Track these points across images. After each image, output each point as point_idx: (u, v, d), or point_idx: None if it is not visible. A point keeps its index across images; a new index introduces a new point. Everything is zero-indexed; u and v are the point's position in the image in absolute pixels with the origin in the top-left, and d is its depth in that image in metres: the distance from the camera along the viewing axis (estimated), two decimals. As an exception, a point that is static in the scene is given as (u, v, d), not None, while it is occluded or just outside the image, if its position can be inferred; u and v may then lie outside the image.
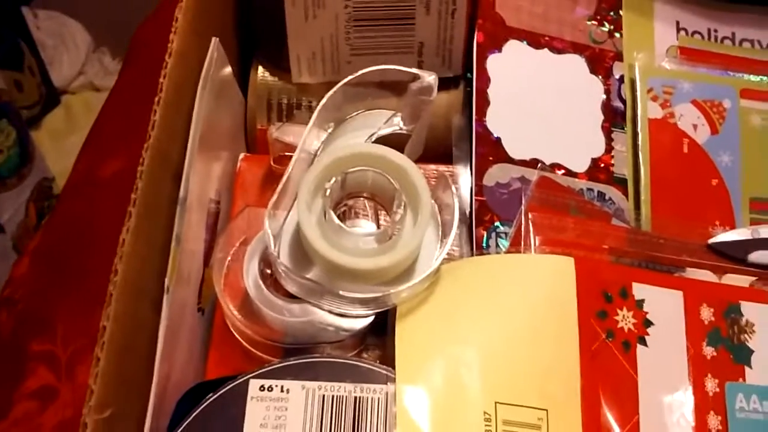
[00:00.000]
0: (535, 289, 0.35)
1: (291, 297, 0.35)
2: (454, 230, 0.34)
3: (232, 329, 0.37)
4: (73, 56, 1.21)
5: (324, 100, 0.35)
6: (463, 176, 0.39)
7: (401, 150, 0.36)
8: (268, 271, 0.36)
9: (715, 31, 0.44)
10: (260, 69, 0.43)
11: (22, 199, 0.91)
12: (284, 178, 0.35)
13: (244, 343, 0.36)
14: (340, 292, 0.33)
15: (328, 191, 0.34)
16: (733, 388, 0.34)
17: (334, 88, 0.35)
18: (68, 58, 1.21)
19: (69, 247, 0.55)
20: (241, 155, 0.41)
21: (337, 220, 0.34)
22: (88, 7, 1.27)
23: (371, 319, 0.35)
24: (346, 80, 0.35)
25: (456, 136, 0.41)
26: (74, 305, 0.52)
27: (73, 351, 0.51)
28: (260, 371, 0.32)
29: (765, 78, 0.42)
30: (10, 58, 1.02)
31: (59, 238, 0.56)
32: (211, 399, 0.32)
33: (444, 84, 0.42)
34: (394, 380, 0.32)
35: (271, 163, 0.40)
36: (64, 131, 1.16)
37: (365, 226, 0.37)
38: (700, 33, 0.44)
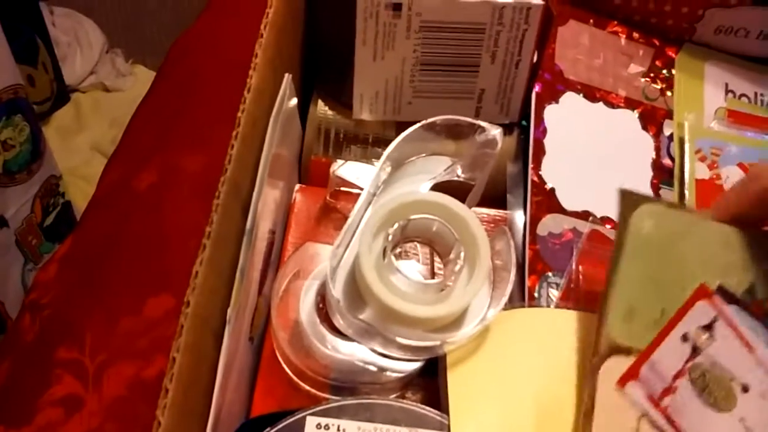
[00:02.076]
0: (584, 345, 0.35)
1: (342, 334, 0.36)
2: (510, 287, 0.35)
3: (280, 359, 0.37)
4: (86, 55, 1.21)
5: (393, 145, 0.36)
6: (516, 223, 0.40)
7: (456, 194, 0.37)
8: (321, 306, 0.37)
9: (762, 95, 0.45)
10: (320, 102, 0.43)
11: (29, 195, 0.90)
12: (349, 221, 0.35)
13: (291, 375, 0.37)
14: (392, 338, 0.34)
15: (390, 236, 0.34)
16: None
17: (405, 133, 0.36)
18: (81, 57, 1.21)
19: (100, 256, 0.55)
20: (297, 186, 0.41)
21: (396, 265, 0.34)
22: (105, 7, 1.27)
23: (419, 364, 0.35)
24: (417, 125, 0.36)
25: (510, 183, 0.41)
26: (103, 315, 0.52)
27: (100, 361, 0.51)
28: (317, 409, 0.33)
29: (810, 146, 0.43)
30: (25, 52, 1.02)
31: (90, 246, 0.56)
32: (269, 432, 0.32)
33: (499, 129, 0.43)
34: (446, 427, 0.33)
35: (327, 197, 0.40)
36: (72, 129, 1.16)
37: (415, 267, 0.38)
38: (747, 96, 0.45)
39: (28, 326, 0.54)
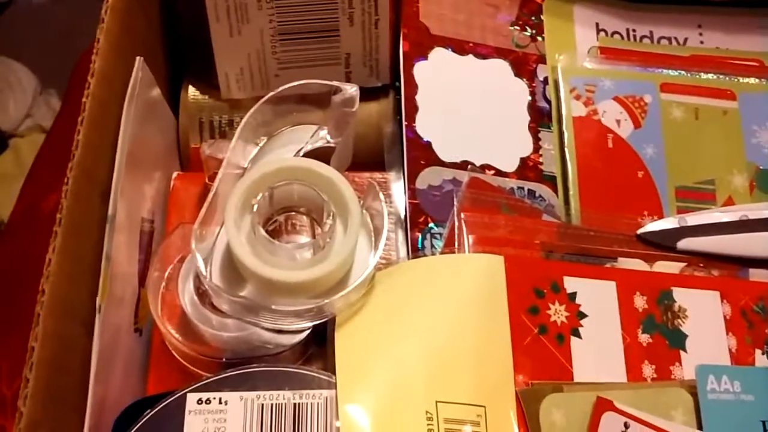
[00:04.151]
0: (467, 288, 0.35)
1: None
2: (384, 235, 0.34)
3: (170, 349, 0.36)
4: (19, 99, 1.20)
5: (246, 118, 0.36)
6: (397, 181, 0.40)
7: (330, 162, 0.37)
8: (202, 289, 0.36)
9: (634, 30, 0.45)
10: (191, 88, 0.43)
11: (-29, 245, 0.89)
12: (210, 196, 0.35)
13: (184, 362, 0.36)
14: (273, 307, 0.33)
15: (256, 207, 0.34)
16: (705, 369, 0.35)
17: (256, 106, 0.36)
18: (15, 102, 1.20)
19: (11, 283, 0.54)
20: (174, 174, 0.41)
21: (265, 235, 0.34)
22: (34, 50, 1.26)
23: (308, 332, 0.35)
24: (266, 97, 0.36)
25: (388, 143, 0.41)
26: (17, 341, 0.51)
27: (17, 387, 0.50)
28: (197, 385, 0.32)
29: (683, 72, 0.43)
30: (-46, 104, 1.01)
31: (1, 275, 0.55)
32: (149, 415, 0.32)
33: (374, 93, 0.43)
34: (334, 385, 0.32)
35: (206, 180, 0.40)
36: (13, 175, 1.14)
37: (303, 240, 0.38)
38: (619, 33, 0.45)
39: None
